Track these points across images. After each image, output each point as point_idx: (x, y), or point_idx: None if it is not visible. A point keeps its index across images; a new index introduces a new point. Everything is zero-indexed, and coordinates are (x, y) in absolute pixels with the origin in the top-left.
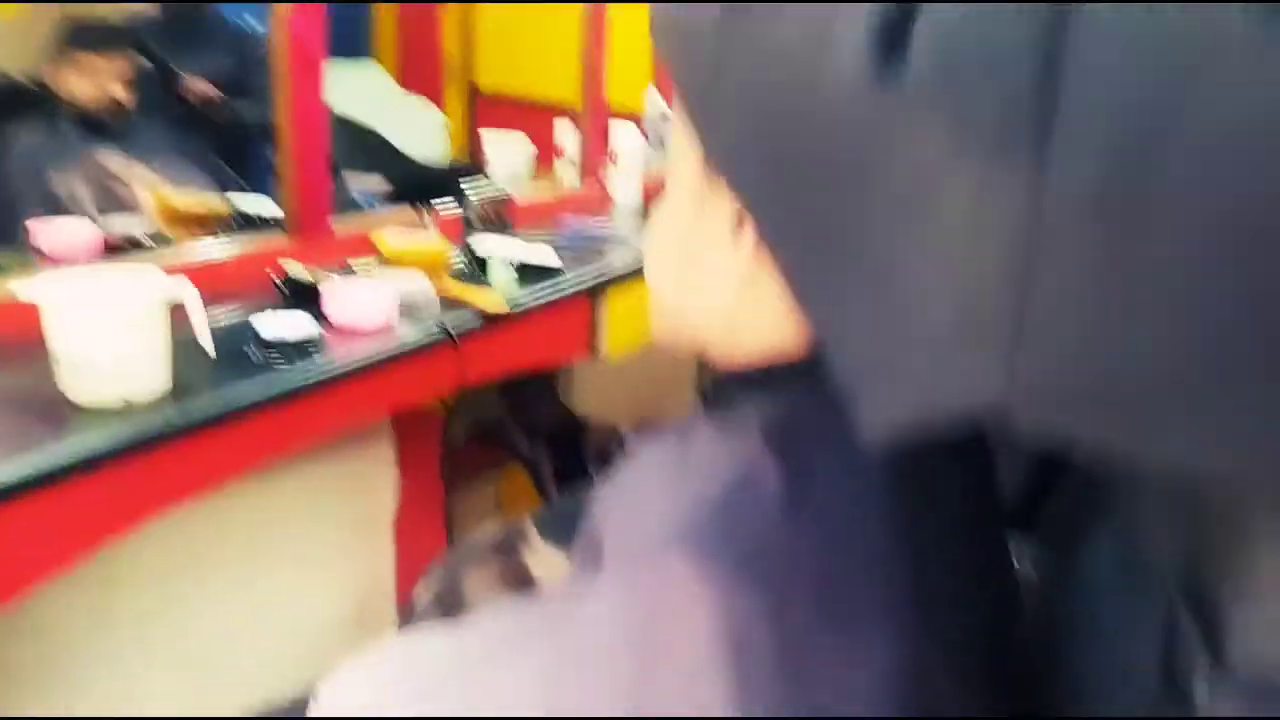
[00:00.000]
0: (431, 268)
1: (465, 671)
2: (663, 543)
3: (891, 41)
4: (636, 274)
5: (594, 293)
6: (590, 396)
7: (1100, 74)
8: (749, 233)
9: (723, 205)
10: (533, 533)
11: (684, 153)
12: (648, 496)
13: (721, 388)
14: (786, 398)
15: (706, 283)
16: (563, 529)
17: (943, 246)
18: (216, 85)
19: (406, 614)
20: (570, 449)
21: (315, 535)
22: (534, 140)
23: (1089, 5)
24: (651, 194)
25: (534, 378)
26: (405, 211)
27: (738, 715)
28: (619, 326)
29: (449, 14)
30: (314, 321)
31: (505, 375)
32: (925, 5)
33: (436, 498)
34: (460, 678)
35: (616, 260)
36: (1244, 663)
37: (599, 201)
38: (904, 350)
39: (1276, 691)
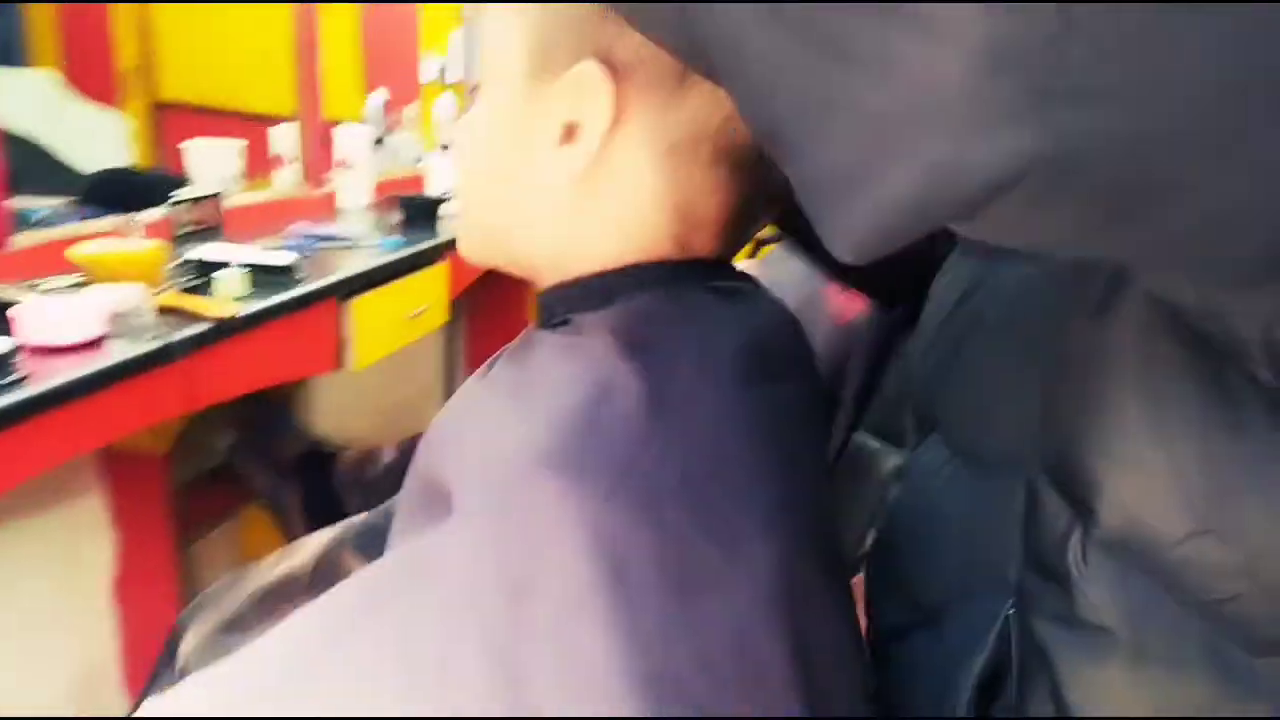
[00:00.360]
0: (145, 276)
1: (310, 656)
2: (527, 467)
3: None
4: (383, 276)
5: (340, 297)
6: (333, 415)
7: None
8: (587, 135)
9: (549, 114)
10: (348, 555)
11: (501, 64)
12: (495, 424)
13: (555, 302)
14: (632, 304)
15: (532, 198)
16: (385, 538)
17: None
18: None
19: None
20: (318, 478)
21: (15, 611)
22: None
23: None
24: (382, 193)
25: (268, 402)
26: (107, 222)
27: (621, 637)
28: (368, 333)
29: (122, 21)
30: (5, 340)
31: (244, 391)
32: None
33: (164, 552)
34: (306, 663)
35: (359, 263)
36: (1116, 520)
37: (324, 206)
38: (914, 124)
39: (1147, 542)
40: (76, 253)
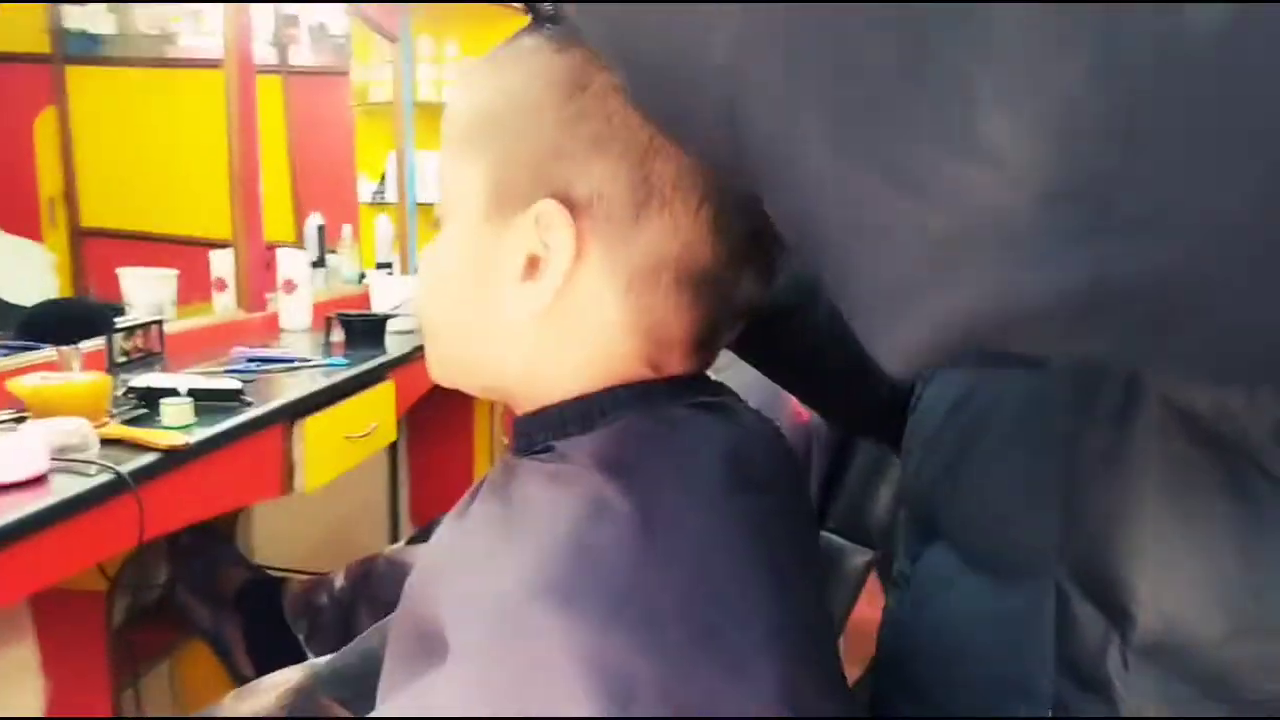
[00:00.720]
0: (88, 408)
1: None
2: (521, 601)
3: None
4: (331, 397)
5: (287, 421)
6: (274, 541)
7: None
8: (551, 271)
9: (511, 250)
10: (326, 703)
11: (462, 200)
12: (485, 558)
13: (534, 429)
14: (613, 426)
15: (499, 330)
16: (360, 682)
17: (1044, 104)
18: None
19: None
20: (261, 609)
21: None
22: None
23: None
24: (320, 314)
25: (205, 530)
26: (39, 354)
27: None
28: (317, 455)
29: (43, 150)
30: None
31: (193, 521)
32: None
33: (102, 695)
34: None
35: (304, 385)
36: (1152, 622)
37: (266, 329)
38: (967, 247)
39: (1188, 645)
40: (18, 386)
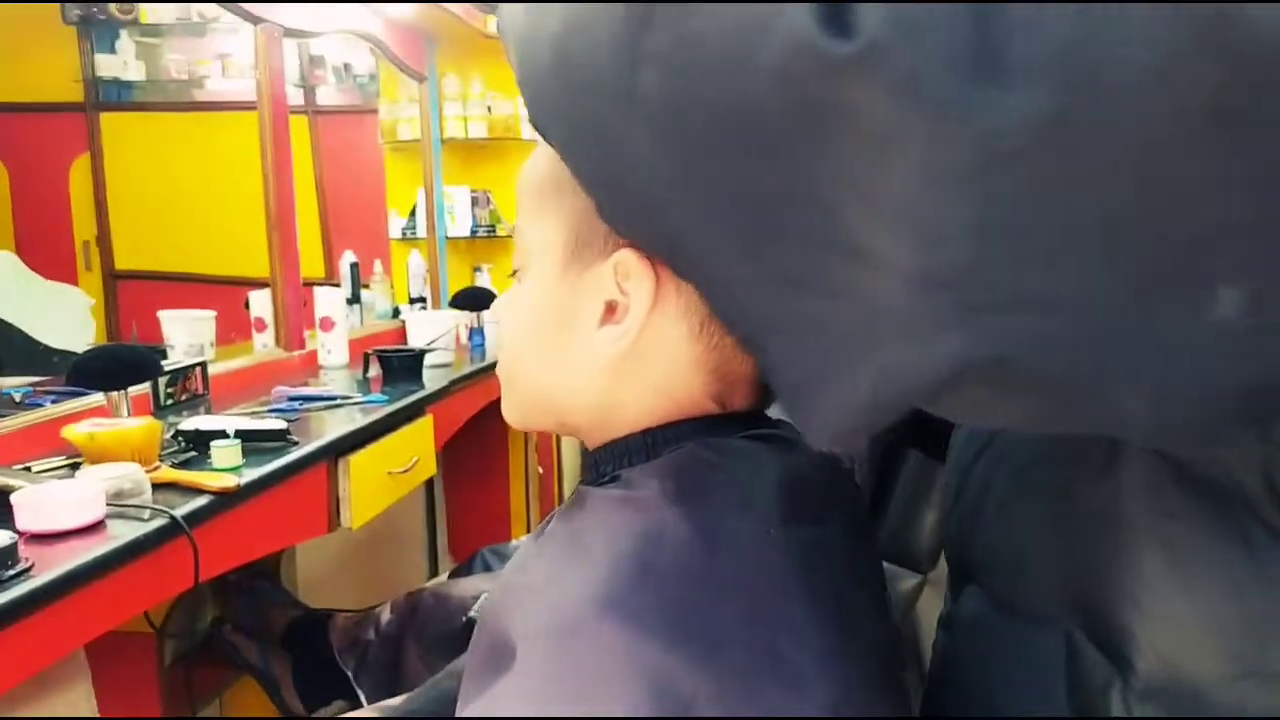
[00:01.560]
0: (140, 452)
1: None
2: (585, 617)
3: (837, 7)
4: (372, 434)
5: (331, 459)
6: (319, 579)
7: (1031, 18)
8: (630, 317)
9: (590, 296)
10: None
11: (542, 253)
12: (552, 577)
13: (603, 460)
14: (676, 455)
15: (577, 370)
16: None
17: (897, 210)
18: None
19: None
20: (309, 646)
21: None
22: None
23: None
24: (357, 350)
25: (252, 571)
26: (88, 400)
27: None
28: (361, 492)
29: (77, 195)
30: (6, 533)
31: (245, 562)
32: None
33: None
34: None
35: (346, 422)
36: (1154, 668)
37: (305, 367)
38: (861, 335)
39: (1189, 690)
40: (71, 432)
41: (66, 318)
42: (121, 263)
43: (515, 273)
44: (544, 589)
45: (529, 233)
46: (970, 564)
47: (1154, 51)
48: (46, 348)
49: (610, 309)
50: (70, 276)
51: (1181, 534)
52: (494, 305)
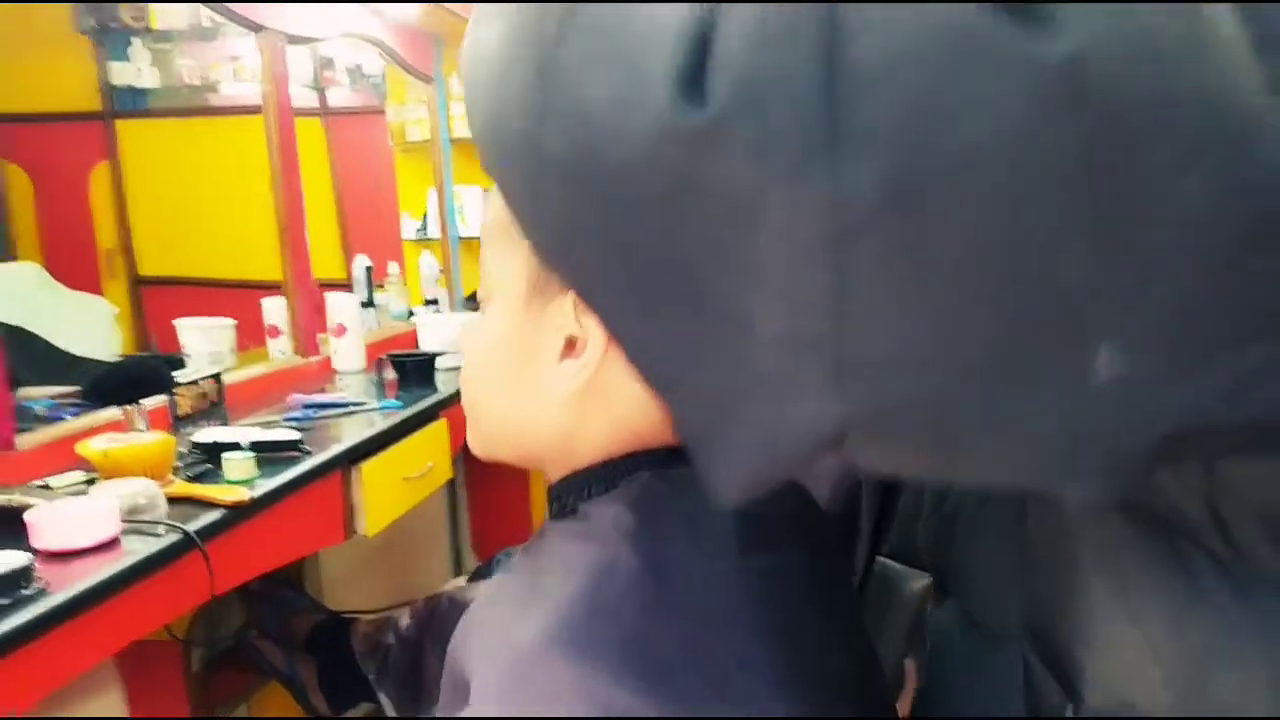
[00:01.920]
0: (154, 468)
1: None
2: (537, 653)
3: (693, 76)
4: (386, 440)
5: (345, 466)
6: (341, 584)
7: (875, 85)
8: (588, 351)
9: (550, 331)
10: None
11: (503, 285)
12: (509, 613)
13: (564, 493)
14: (631, 486)
15: (537, 403)
16: None
17: (762, 276)
18: None
19: None
20: (333, 650)
21: None
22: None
23: (859, 13)
24: (372, 354)
25: (275, 578)
26: (105, 414)
27: None
28: (376, 499)
29: (98, 204)
30: (22, 554)
31: (261, 573)
32: (719, 37)
33: None
34: None
35: (360, 429)
36: (1100, 700)
37: (320, 373)
38: (745, 395)
39: (1135, 717)
40: (86, 449)
41: (92, 327)
42: (145, 269)
43: (478, 301)
44: (500, 627)
45: (492, 266)
46: (945, 573)
47: (998, 112)
48: (73, 357)
49: (570, 344)
50: (95, 285)
51: (1126, 563)
52: (458, 335)
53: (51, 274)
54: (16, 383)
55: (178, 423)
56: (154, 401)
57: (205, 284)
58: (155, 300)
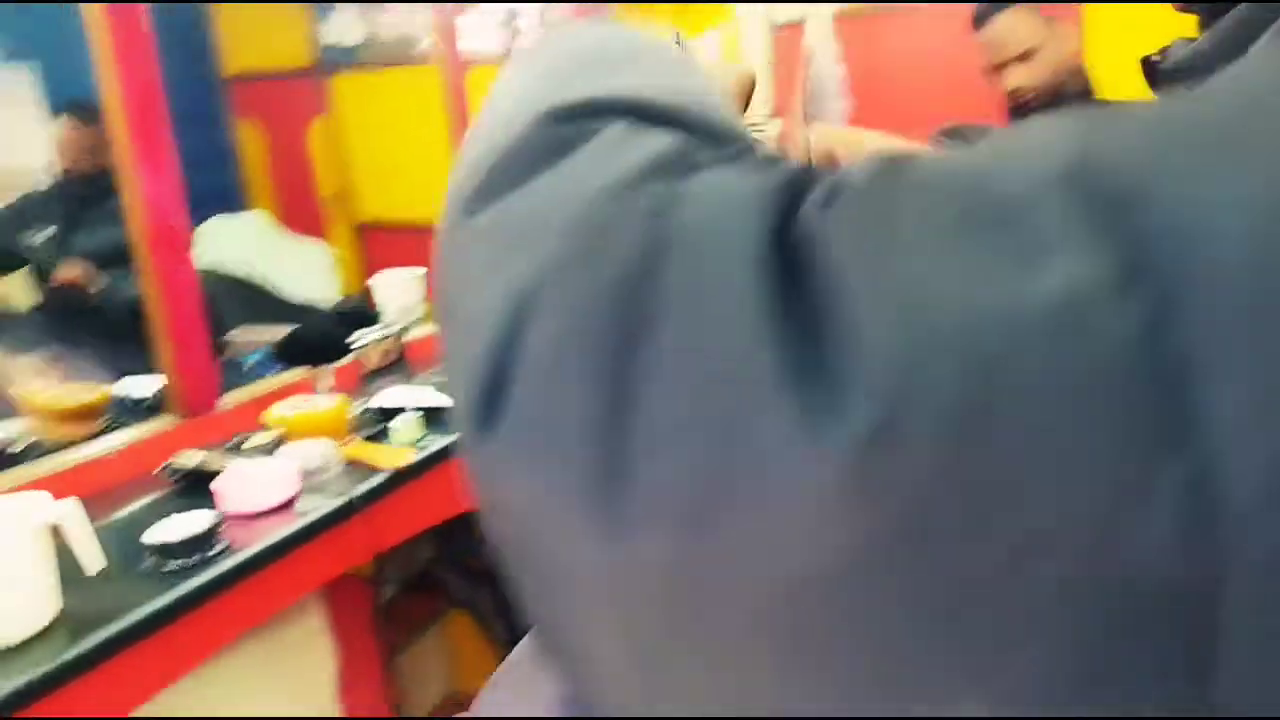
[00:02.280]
0: (331, 431)
1: None
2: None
3: (493, 396)
4: None
5: None
6: None
7: (660, 451)
8: None
9: None
10: None
11: None
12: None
13: None
14: None
15: None
16: None
17: (567, 640)
18: (109, 256)
19: None
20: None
21: (258, 714)
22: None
23: (647, 390)
24: None
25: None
26: (298, 373)
27: None
28: None
29: (319, 152)
30: (210, 515)
31: (425, 528)
32: (519, 358)
33: (376, 661)
34: None
35: None
36: None
37: None
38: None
39: None
40: (270, 416)
41: (313, 271)
42: (363, 214)
43: None
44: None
45: None
46: None
47: (787, 498)
48: (293, 306)
49: None
50: (318, 230)
51: None
52: None
53: (281, 222)
54: (235, 323)
55: (362, 380)
56: (343, 363)
57: (420, 228)
58: (375, 244)
